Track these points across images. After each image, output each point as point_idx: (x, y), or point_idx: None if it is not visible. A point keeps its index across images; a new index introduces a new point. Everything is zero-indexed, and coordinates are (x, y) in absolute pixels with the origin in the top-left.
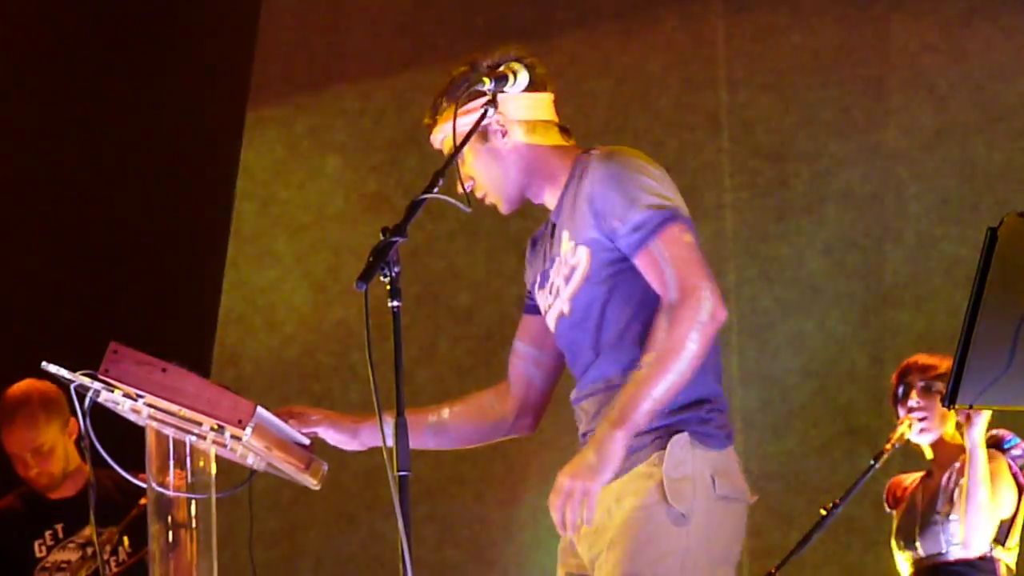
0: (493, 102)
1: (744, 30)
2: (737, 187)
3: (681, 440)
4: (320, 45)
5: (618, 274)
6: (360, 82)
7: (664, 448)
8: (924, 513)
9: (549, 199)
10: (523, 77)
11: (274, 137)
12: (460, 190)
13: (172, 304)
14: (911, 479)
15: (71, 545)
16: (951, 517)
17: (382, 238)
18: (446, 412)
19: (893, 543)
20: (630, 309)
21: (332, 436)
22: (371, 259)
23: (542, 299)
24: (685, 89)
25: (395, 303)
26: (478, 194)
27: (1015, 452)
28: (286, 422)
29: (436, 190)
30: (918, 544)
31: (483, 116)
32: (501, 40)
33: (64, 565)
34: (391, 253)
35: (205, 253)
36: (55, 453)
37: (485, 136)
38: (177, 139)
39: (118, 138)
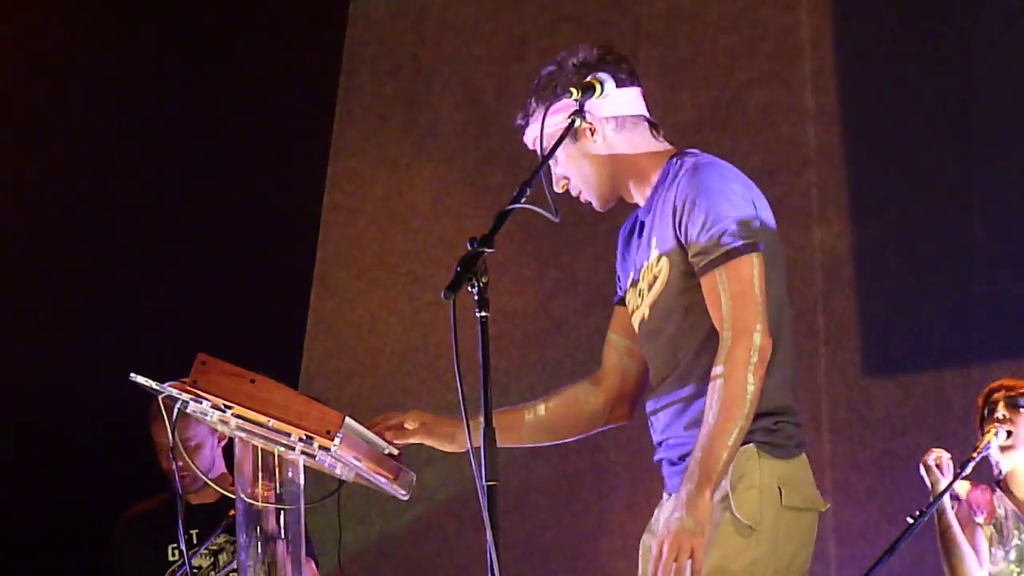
0: (580, 113)
1: None
2: None
3: (747, 451)
4: (406, 56)
5: (693, 290)
6: (448, 95)
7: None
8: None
9: (639, 197)
10: (609, 87)
11: (361, 148)
12: (548, 197)
13: (260, 315)
14: (985, 489)
15: (204, 552)
16: None
17: (469, 248)
18: (542, 408)
19: (1010, 564)
20: (703, 333)
21: (430, 441)
22: (459, 269)
23: (631, 298)
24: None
25: (483, 313)
26: (572, 192)
27: None
28: (382, 434)
29: (524, 200)
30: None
31: (571, 126)
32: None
33: (195, 571)
34: (478, 263)
35: (293, 263)
36: (201, 451)
37: (576, 135)
38: (265, 151)
39: (207, 150)
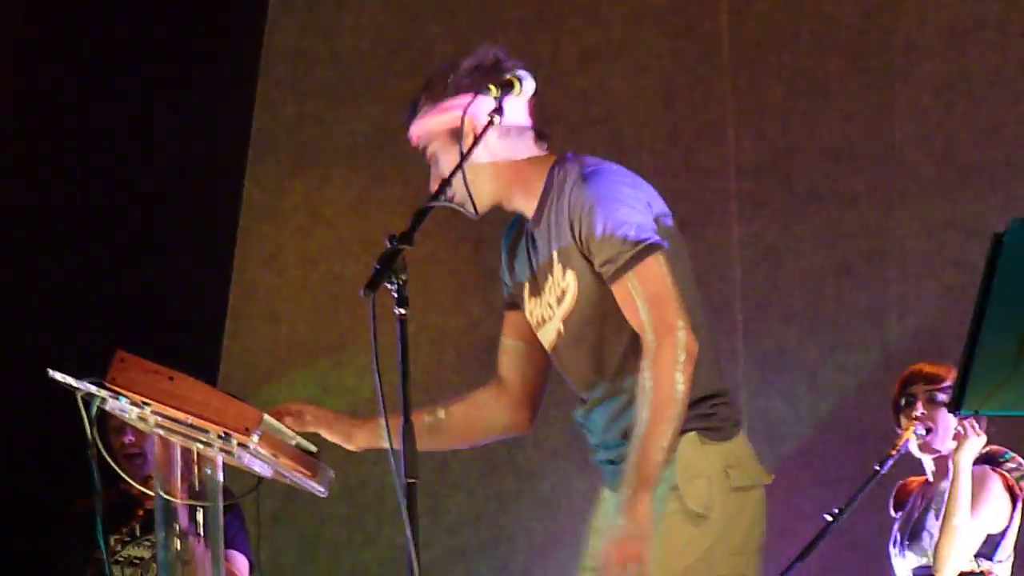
0: (499, 111)
1: None
2: None
3: (689, 440)
4: (325, 52)
5: (608, 296)
6: (367, 87)
7: (674, 451)
8: (917, 522)
9: (523, 205)
10: (528, 85)
11: (281, 146)
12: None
13: (179, 312)
14: (917, 482)
15: (146, 543)
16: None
17: (389, 246)
18: (442, 412)
19: (890, 548)
20: (626, 335)
21: (328, 434)
22: (378, 267)
23: (535, 309)
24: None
25: (402, 310)
26: (446, 195)
27: (1010, 465)
28: (281, 420)
29: (443, 198)
30: (908, 553)
31: (490, 123)
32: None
33: (137, 561)
34: (398, 261)
35: (212, 261)
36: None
37: (457, 138)
38: (184, 148)
39: (126, 144)
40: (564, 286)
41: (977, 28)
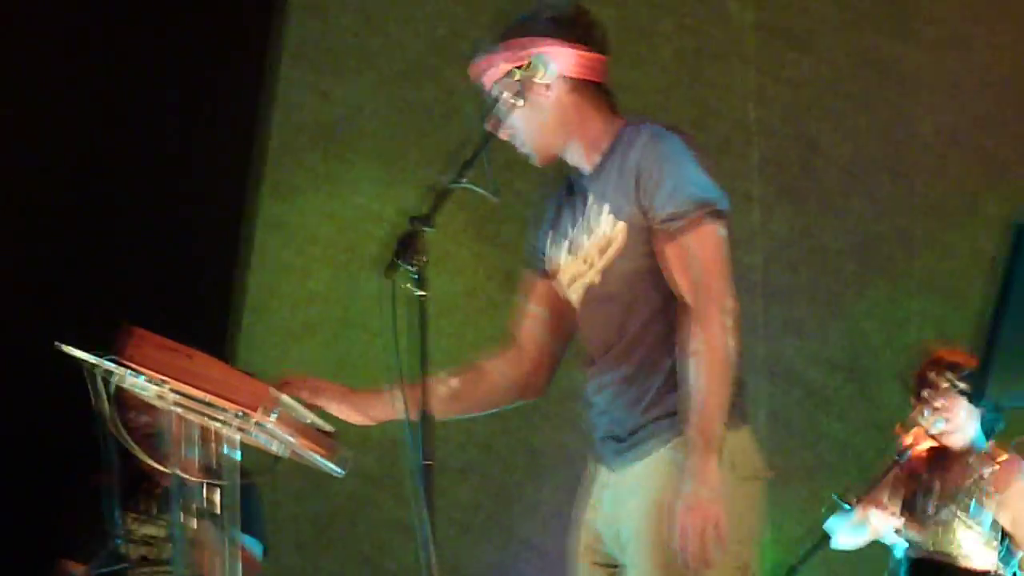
0: (521, 94)
1: None
2: None
3: None
4: (348, 32)
5: (650, 256)
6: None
7: (681, 433)
8: (939, 506)
9: (583, 162)
10: (552, 69)
11: (301, 122)
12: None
13: (196, 289)
14: (925, 446)
15: (161, 522)
16: (969, 525)
17: (409, 227)
18: (455, 381)
19: (897, 510)
20: (654, 303)
21: (339, 409)
22: (397, 248)
23: (571, 266)
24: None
25: (421, 292)
26: (516, 144)
27: None
28: (291, 391)
29: (464, 180)
30: (929, 537)
31: (513, 106)
32: None
33: (150, 540)
34: (417, 242)
35: (229, 238)
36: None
37: (530, 88)
38: (200, 124)
39: (139, 119)
40: (612, 236)
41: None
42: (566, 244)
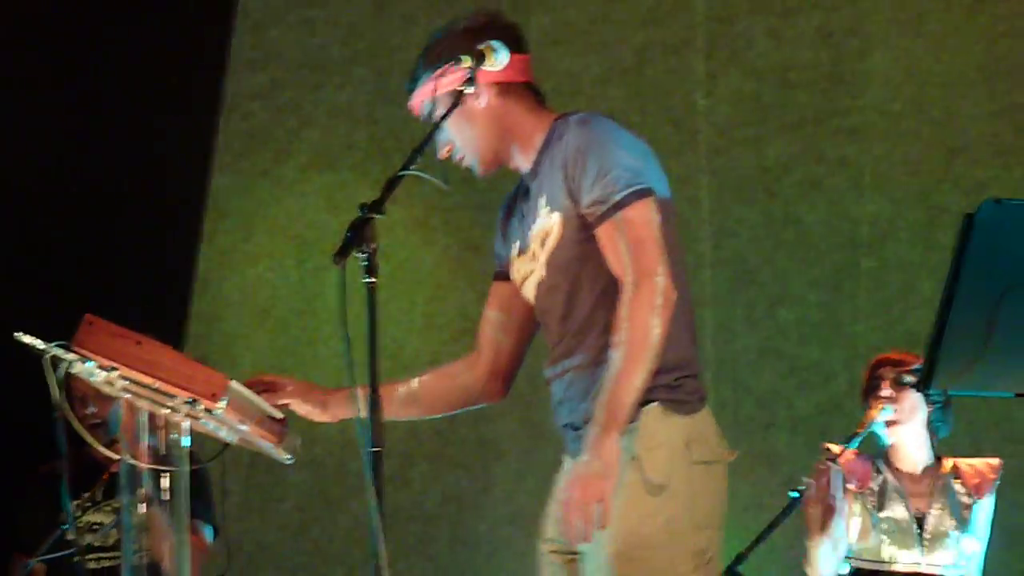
0: (471, 81)
1: None
2: None
3: (652, 411)
4: (300, 17)
5: (588, 241)
6: (339, 57)
7: (636, 420)
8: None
9: (523, 162)
10: (502, 55)
11: (251, 110)
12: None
13: (146, 276)
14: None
15: (107, 508)
16: (963, 535)
17: (359, 214)
18: (415, 382)
19: (880, 535)
20: (599, 287)
21: (301, 407)
22: (348, 235)
23: (521, 265)
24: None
25: (371, 279)
26: (455, 158)
27: None
28: (258, 392)
29: (413, 167)
30: (923, 555)
31: (459, 94)
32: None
33: (96, 527)
34: (368, 229)
35: (180, 225)
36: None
37: (461, 100)
38: (153, 111)
39: (95, 106)
40: (549, 227)
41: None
42: (517, 245)
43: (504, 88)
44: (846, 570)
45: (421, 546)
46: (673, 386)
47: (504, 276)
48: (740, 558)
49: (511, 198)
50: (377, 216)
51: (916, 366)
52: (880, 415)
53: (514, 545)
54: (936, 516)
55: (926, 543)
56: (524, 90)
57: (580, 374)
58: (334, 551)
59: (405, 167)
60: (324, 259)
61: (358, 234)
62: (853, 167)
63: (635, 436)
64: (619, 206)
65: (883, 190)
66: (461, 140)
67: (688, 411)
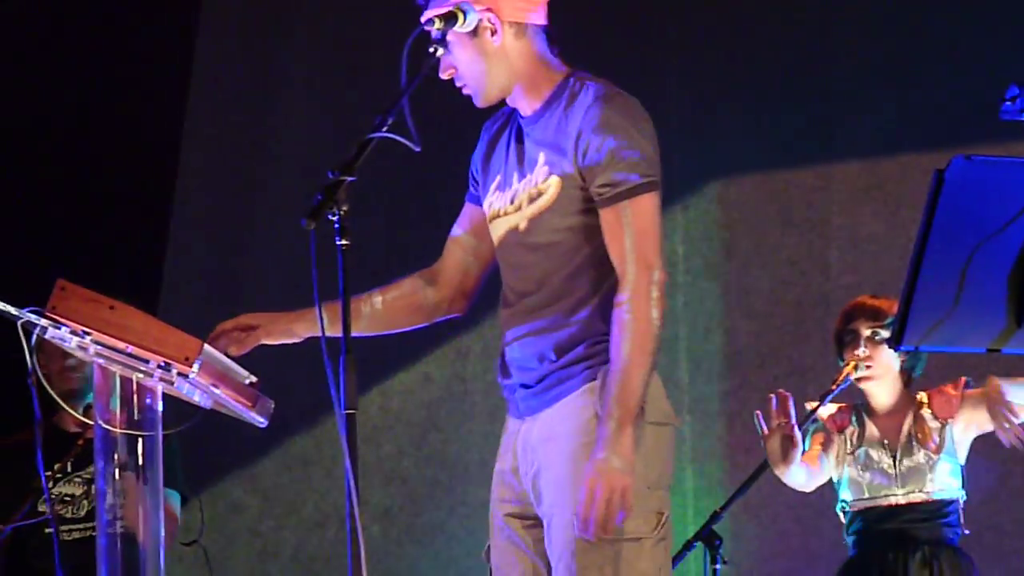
0: (443, 43)
1: None
2: None
3: (606, 372)
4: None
5: (580, 214)
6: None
7: (595, 379)
8: (901, 453)
9: (523, 104)
10: (472, 18)
11: (224, 72)
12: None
13: (119, 240)
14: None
15: (77, 479)
16: (938, 458)
17: (330, 176)
18: (379, 300)
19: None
20: (579, 258)
21: (270, 341)
22: (319, 197)
23: (498, 202)
24: None
25: (343, 241)
26: (457, 83)
27: None
28: (224, 348)
29: (384, 128)
30: (898, 485)
31: (433, 54)
32: None
33: (68, 498)
34: (339, 192)
35: (153, 188)
36: (87, 366)
37: (475, 31)
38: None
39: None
40: (543, 187)
41: None
42: (497, 178)
43: (522, 29)
44: (844, 518)
45: (390, 466)
46: None
47: (477, 200)
48: (715, 517)
49: (498, 126)
50: (348, 179)
51: (890, 319)
52: (857, 372)
53: (488, 466)
54: (910, 447)
55: (902, 475)
56: (539, 34)
57: (541, 336)
58: (307, 514)
59: (377, 128)
60: (297, 221)
61: (330, 196)
62: None
63: (595, 395)
64: (631, 193)
65: None
66: (468, 72)
67: None
